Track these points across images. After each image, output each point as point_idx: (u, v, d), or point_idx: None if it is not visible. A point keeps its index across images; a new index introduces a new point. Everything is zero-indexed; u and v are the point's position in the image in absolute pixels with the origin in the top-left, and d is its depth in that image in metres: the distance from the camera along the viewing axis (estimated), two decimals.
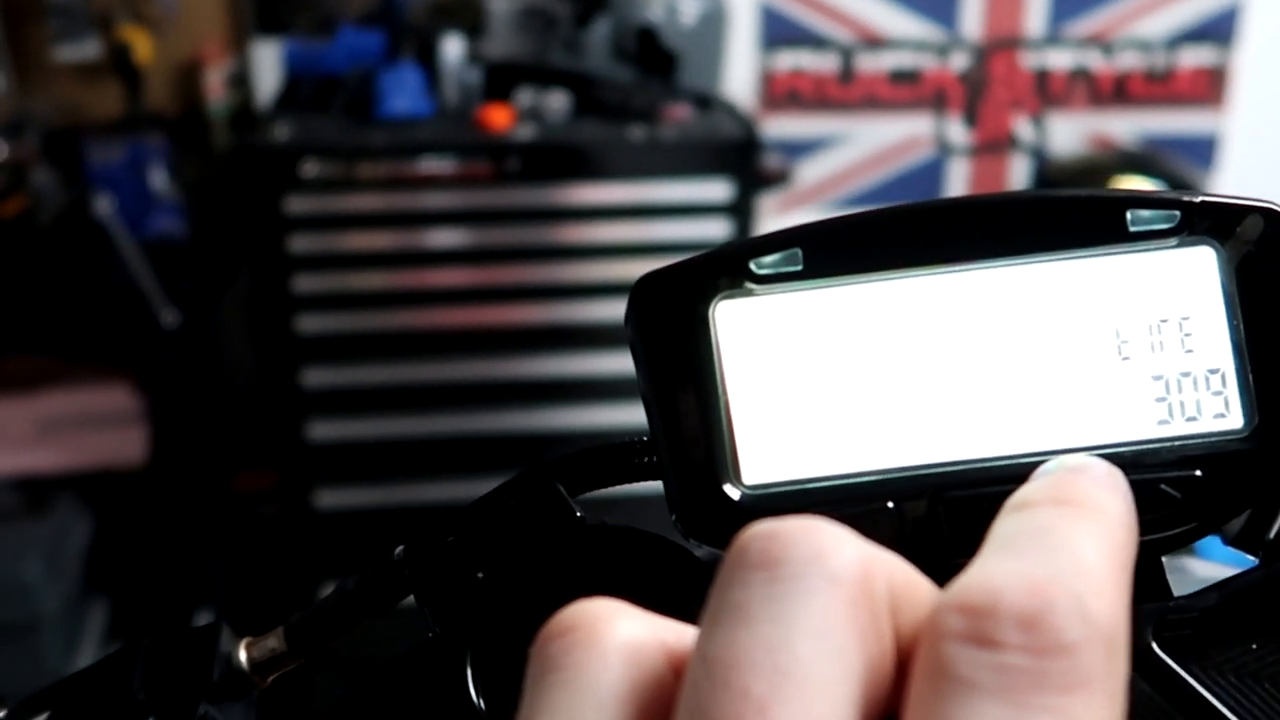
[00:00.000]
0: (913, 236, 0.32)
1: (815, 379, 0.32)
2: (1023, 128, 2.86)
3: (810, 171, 2.79)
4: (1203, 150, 2.92)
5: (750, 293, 0.32)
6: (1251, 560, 0.35)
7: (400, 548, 0.39)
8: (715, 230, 2.21)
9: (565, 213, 2.21)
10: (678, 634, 0.23)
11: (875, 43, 2.76)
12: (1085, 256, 0.32)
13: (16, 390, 2.29)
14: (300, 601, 2.24)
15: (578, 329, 2.25)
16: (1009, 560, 0.21)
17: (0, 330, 2.21)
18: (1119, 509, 0.23)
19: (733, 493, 0.32)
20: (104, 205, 2.18)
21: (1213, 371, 0.32)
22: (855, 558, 0.22)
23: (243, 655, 0.40)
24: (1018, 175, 2.89)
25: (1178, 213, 0.31)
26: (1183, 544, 0.32)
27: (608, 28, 2.30)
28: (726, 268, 0.32)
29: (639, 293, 0.33)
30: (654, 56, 2.29)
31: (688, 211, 2.21)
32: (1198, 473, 0.31)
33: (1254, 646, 0.30)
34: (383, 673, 0.35)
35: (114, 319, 2.21)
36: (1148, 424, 0.32)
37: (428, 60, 2.28)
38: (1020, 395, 0.32)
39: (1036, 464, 0.32)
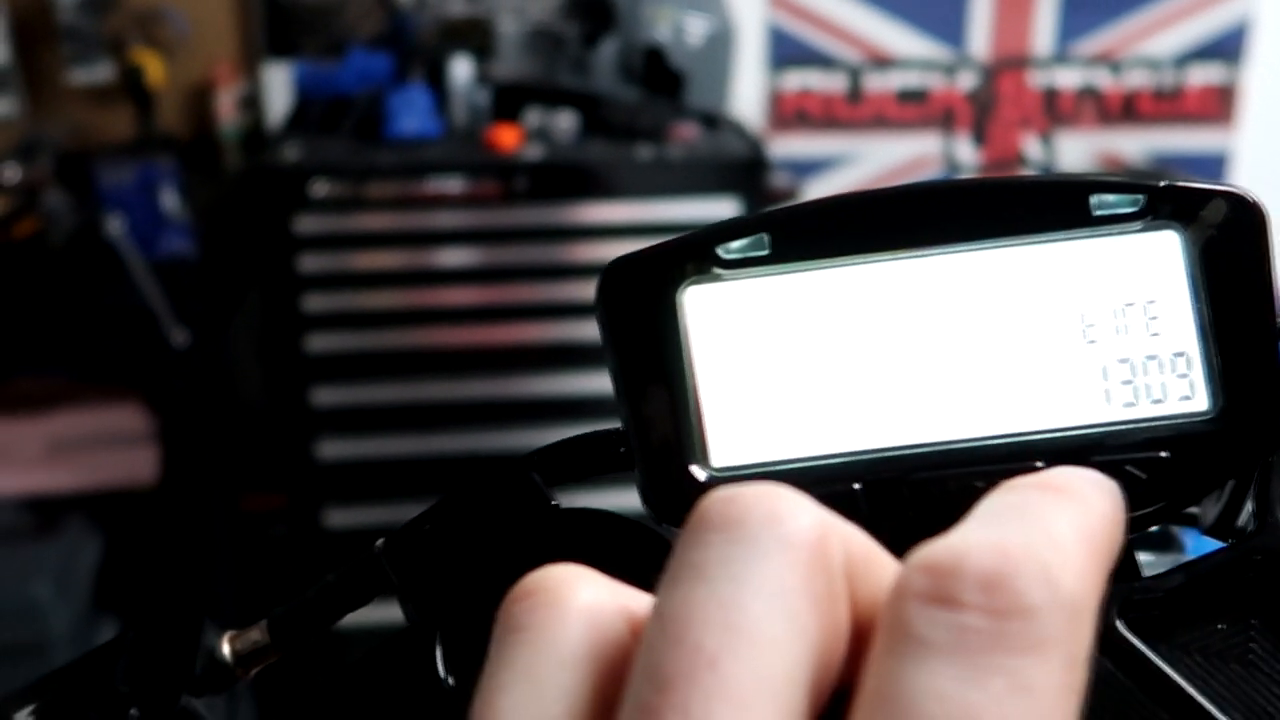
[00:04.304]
0: (879, 222, 0.32)
1: (783, 363, 0.32)
2: (1031, 147, 2.86)
3: (818, 191, 2.80)
4: (1212, 168, 2.91)
5: (718, 278, 0.32)
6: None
7: (380, 540, 0.39)
8: None
9: (573, 232, 2.21)
10: (640, 601, 0.23)
11: (883, 62, 2.77)
12: (1050, 241, 0.32)
13: (27, 410, 2.31)
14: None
15: (586, 348, 2.25)
16: (982, 529, 0.21)
17: (11, 350, 2.23)
18: (1103, 503, 0.23)
19: (700, 474, 0.32)
20: (115, 226, 2.19)
21: (1178, 354, 0.32)
22: (812, 523, 0.22)
23: (226, 648, 0.40)
24: None
25: (1142, 197, 0.32)
26: (1148, 525, 0.32)
27: (615, 48, 2.31)
28: (694, 253, 0.32)
29: (608, 279, 0.33)
30: (661, 76, 2.30)
31: None
32: (1164, 454, 0.31)
33: (1220, 627, 0.31)
34: (355, 665, 0.36)
35: (125, 339, 2.23)
36: (1114, 406, 0.32)
37: (436, 81, 2.30)
38: (986, 378, 0.32)
39: (1003, 446, 0.32)
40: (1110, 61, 2.82)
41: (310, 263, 2.14)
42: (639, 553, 0.34)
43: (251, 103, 2.57)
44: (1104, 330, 0.32)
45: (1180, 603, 0.31)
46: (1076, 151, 2.87)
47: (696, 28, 2.31)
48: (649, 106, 2.28)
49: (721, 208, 2.21)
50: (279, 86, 2.53)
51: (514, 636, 0.23)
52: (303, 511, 2.24)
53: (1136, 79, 2.84)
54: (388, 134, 2.21)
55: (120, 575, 2.34)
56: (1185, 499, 0.32)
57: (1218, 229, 0.31)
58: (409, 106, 2.23)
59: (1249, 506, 0.33)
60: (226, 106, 2.52)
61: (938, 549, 0.21)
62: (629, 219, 2.21)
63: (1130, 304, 0.32)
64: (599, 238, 2.21)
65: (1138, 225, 0.32)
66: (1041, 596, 0.20)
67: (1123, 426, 0.32)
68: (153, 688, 0.39)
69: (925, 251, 0.32)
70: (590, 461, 0.37)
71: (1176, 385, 0.32)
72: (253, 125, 2.56)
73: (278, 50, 2.54)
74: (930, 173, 2.86)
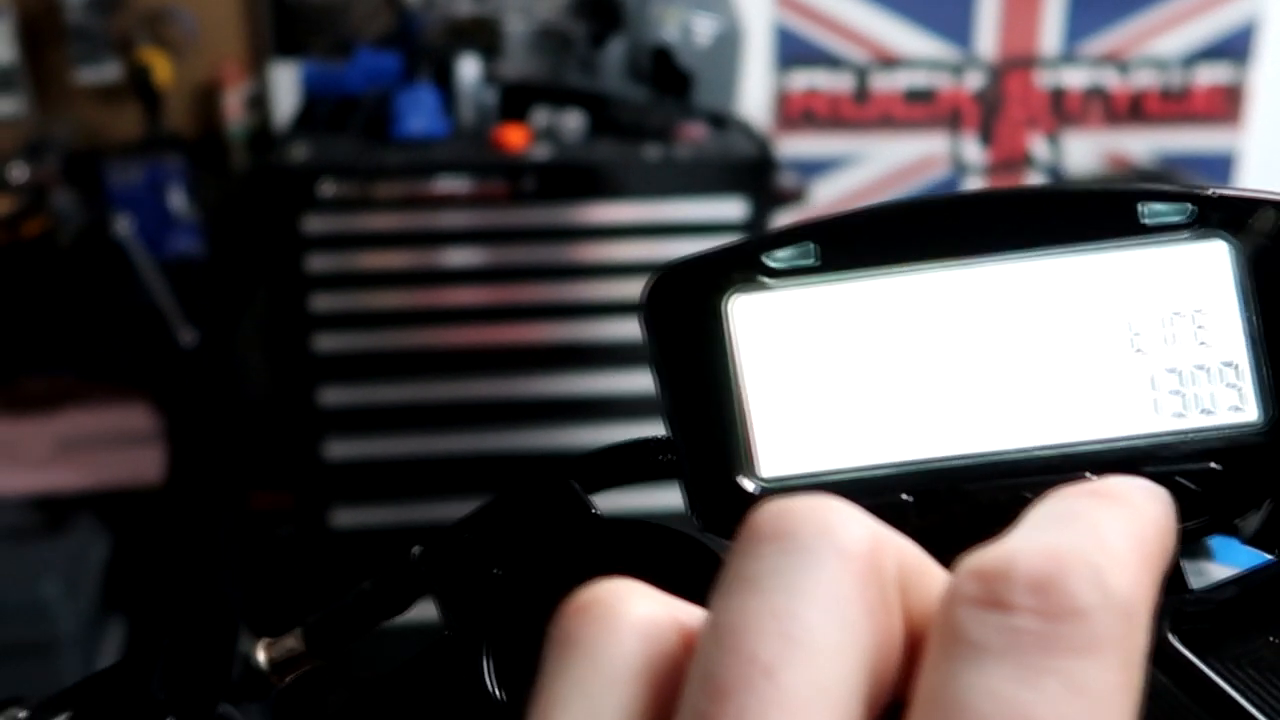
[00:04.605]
0: (926, 231, 0.32)
1: (830, 372, 0.32)
2: (1038, 146, 2.86)
3: (825, 191, 2.80)
4: (1219, 168, 2.91)
5: (764, 287, 0.32)
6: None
7: (417, 547, 0.39)
8: None
9: (581, 232, 2.21)
10: (692, 614, 0.23)
11: (890, 62, 2.77)
12: (1098, 250, 0.32)
13: (35, 409, 2.31)
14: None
15: (593, 348, 2.25)
16: (1033, 535, 0.21)
17: (20, 350, 2.23)
18: (1154, 509, 0.23)
19: (749, 485, 0.32)
20: (123, 226, 2.19)
21: (1227, 364, 0.32)
22: (865, 534, 0.22)
23: (261, 655, 0.40)
24: None
25: (1191, 206, 0.32)
26: (1199, 536, 0.32)
27: (623, 48, 2.31)
28: (741, 262, 0.32)
29: (654, 288, 0.33)
30: (669, 76, 2.30)
31: (703, 230, 2.21)
32: (1214, 465, 0.31)
33: (1271, 639, 0.30)
34: (397, 673, 0.36)
35: (133, 338, 2.23)
36: (1163, 417, 0.32)
37: (444, 81, 2.29)
38: (1035, 388, 0.32)
39: (1052, 456, 0.32)
40: (1117, 61, 2.82)
41: (318, 262, 2.14)
42: (684, 563, 0.34)
43: (258, 102, 2.57)
44: (1152, 340, 0.32)
45: (1232, 615, 0.31)
46: (1083, 151, 2.87)
47: (704, 27, 2.31)
48: (657, 106, 2.27)
49: (729, 208, 2.20)
50: (286, 86, 2.53)
51: (569, 651, 0.23)
52: (310, 511, 2.24)
53: (1144, 79, 2.84)
54: (395, 134, 2.21)
55: (128, 574, 2.34)
56: (1235, 510, 0.31)
57: (1267, 238, 0.31)
58: (416, 106, 2.22)
59: None
60: (234, 106, 2.52)
61: (988, 554, 0.21)
62: (636, 219, 2.20)
63: (1178, 313, 0.32)
64: (606, 238, 2.21)
65: (1186, 234, 0.32)
66: (1092, 598, 0.20)
67: (1172, 437, 0.32)
68: (190, 695, 0.39)
69: (973, 261, 0.32)
70: (629, 469, 0.37)
71: (1226, 395, 0.32)
72: (260, 125, 2.56)
73: (285, 50, 2.54)
74: (937, 173, 2.85)
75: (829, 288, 0.32)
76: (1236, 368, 0.32)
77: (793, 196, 2.41)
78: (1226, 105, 2.87)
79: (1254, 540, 0.35)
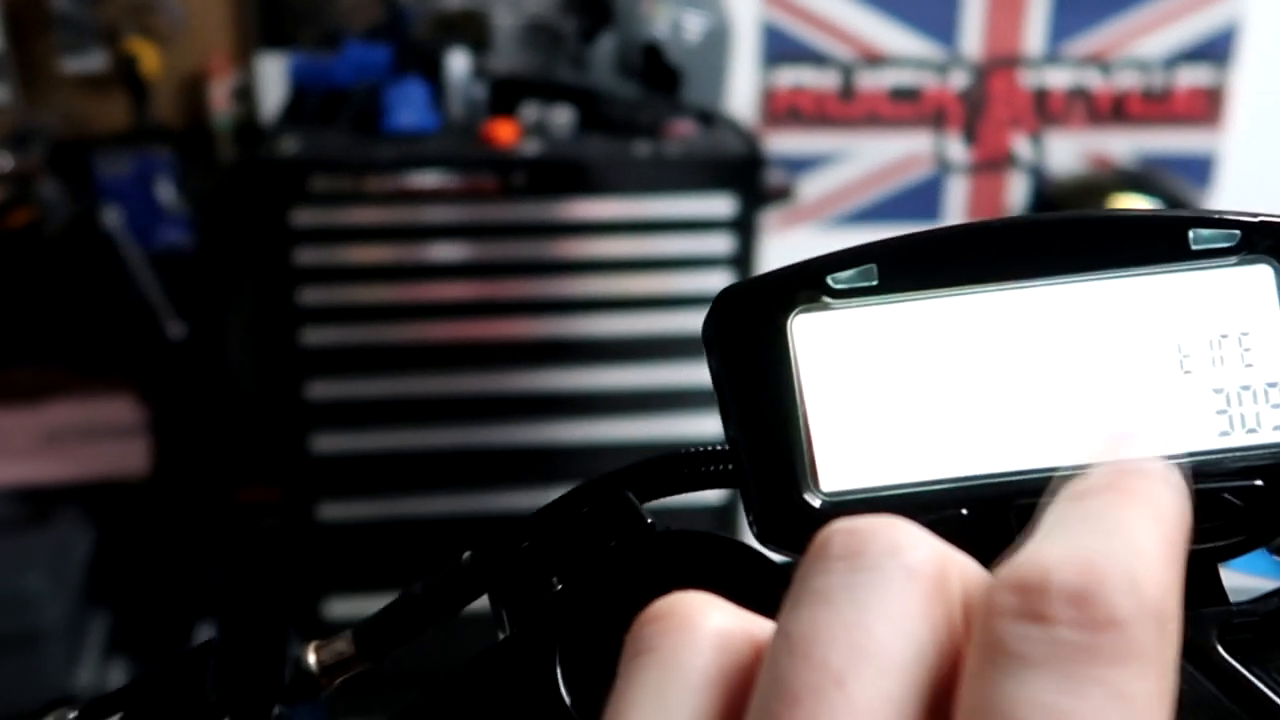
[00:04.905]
0: (983, 254, 0.33)
1: (890, 390, 0.33)
2: (1021, 146, 2.88)
3: (812, 188, 2.81)
4: (1200, 169, 2.94)
5: (827, 306, 0.33)
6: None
7: (468, 553, 0.40)
8: (719, 246, 2.22)
9: (570, 227, 2.22)
10: (764, 628, 0.24)
11: (876, 60, 2.78)
12: (1149, 274, 0.33)
13: (21, 401, 2.30)
14: (303, 615, 2.25)
15: (581, 343, 2.26)
16: (1061, 540, 0.22)
17: (6, 341, 2.22)
18: (1173, 502, 0.23)
19: (812, 500, 0.33)
20: (111, 217, 2.19)
21: (1272, 385, 0.33)
22: (932, 554, 0.23)
23: (312, 658, 0.41)
24: (1016, 194, 2.91)
25: (1238, 232, 0.33)
26: (1244, 551, 0.33)
27: (613, 43, 2.32)
28: (804, 282, 0.33)
29: (719, 307, 0.34)
30: (658, 72, 2.31)
31: (691, 227, 2.22)
32: (1259, 482, 0.32)
33: None
34: (459, 674, 0.36)
35: (120, 330, 2.22)
36: (1210, 435, 0.33)
37: (433, 74, 2.29)
38: (1087, 406, 0.33)
39: None
40: (1100, 62, 2.84)
41: (306, 256, 2.13)
42: (742, 575, 0.35)
43: (245, 94, 2.56)
44: (1200, 361, 0.33)
45: (1275, 626, 0.32)
46: (1066, 151, 2.89)
47: (694, 24, 2.32)
48: (646, 102, 2.28)
49: (717, 205, 2.21)
50: (273, 78, 2.52)
51: (645, 658, 0.24)
52: (297, 504, 2.24)
53: (1126, 80, 2.86)
54: (384, 127, 2.21)
55: (112, 567, 2.33)
56: (1278, 527, 0.33)
57: None
58: (406, 100, 2.22)
59: None
60: (220, 97, 2.51)
61: (1023, 566, 0.21)
62: (625, 215, 2.21)
63: (1225, 335, 0.33)
64: (595, 234, 2.22)
65: (1233, 259, 0.33)
66: (1130, 608, 0.20)
67: (1219, 455, 0.33)
68: (245, 698, 0.39)
69: (1028, 283, 0.33)
70: (682, 479, 0.38)
71: (1270, 415, 0.33)
72: (246, 117, 2.56)
73: (272, 41, 2.54)
74: (922, 171, 2.87)
75: (889, 308, 0.33)
76: None
77: (780, 194, 2.43)
78: (1207, 107, 2.90)
79: None
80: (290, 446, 2.20)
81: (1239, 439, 0.33)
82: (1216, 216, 0.33)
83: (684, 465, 0.38)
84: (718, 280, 2.23)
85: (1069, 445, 0.33)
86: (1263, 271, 0.33)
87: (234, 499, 2.45)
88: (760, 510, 0.33)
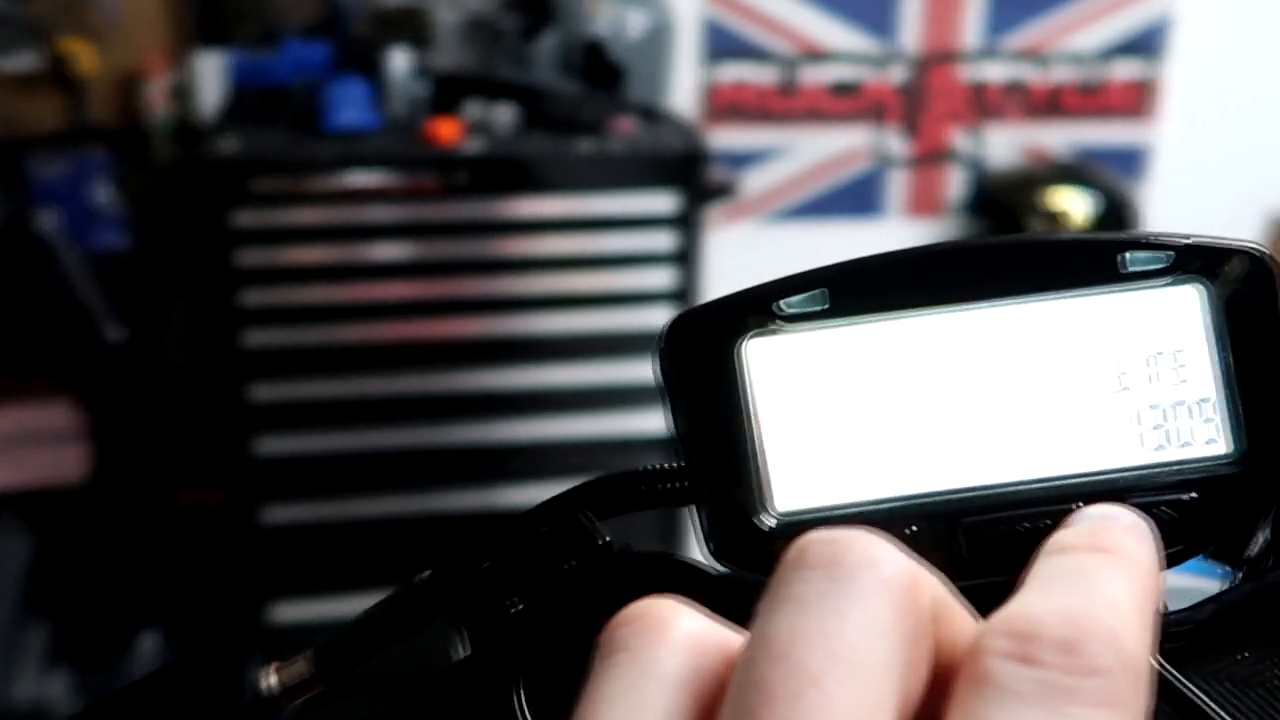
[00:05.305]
0: (928, 277, 0.34)
1: (841, 411, 0.34)
2: (960, 139, 2.92)
3: (754, 183, 2.83)
4: (1133, 161, 2.99)
5: (778, 331, 0.34)
6: (1223, 572, 0.38)
7: (426, 572, 0.40)
8: (662, 242, 2.23)
9: (513, 226, 2.22)
10: (733, 636, 0.25)
11: (816, 56, 2.80)
12: (1087, 295, 0.34)
13: None
14: (247, 620, 2.23)
15: (525, 341, 2.26)
16: (1050, 597, 0.24)
17: None
18: (1147, 556, 0.25)
19: (766, 520, 0.34)
20: (47, 219, 2.15)
21: (1203, 401, 0.34)
22: (905, 567, 0.24)
23: (272, 679, 0.41)
24: (955, 187, 2.94)
25: (1171, 254, 0.34)
26: (1181, 561, 0.34)
27: (555, 41, 2.32)
28: (754, 307, 0.34)
29: (671, 333, 0.34)
30: (601, 70, 2.31)
31: (634, 224, 2.23)
32: (1192, 495, 0.34)
33: (1245, 655, 0.33)
34: (417, 696, 0.37)
35: (57, 335, 2.19)
36: (1146, 450, 0.34)
37: (373, 72, 2.28)
38: (1029, 425, 0.34)
39: (1046, 489, 0.34)
40: (1036, 56, 2.88)
41: (247, 257, 2.11)
42: (699, 594, 0.36)
43: (183, 93, 2.53)
44: (1136, 378, 0.34)
45: (1210, 633, 0.33)
46: (1003, 144, 2.93)
47: (635, 21, 2.32)
48: (589, 100, 2.28)
49: (660, 202, 2.22)
50: (211, 76, 2.48)
51: (619, 656, 0.24)
52: (241, 508, 2.22)
53: (1061, 73, 2.91)
54: (325, 126, 2.19)
55: (52, 575, 2.30)
56: (1212, 537, 0.34)
57: (1239, 283, 0.34)
58: (346, 98, 2.21)
59: (1260, 538, 0.35)
60: (157, 96, 2.48)
61: (1016, 616, 0.23)
62: (569, 213, 2.21)
63: (1160, 353, 0.34)
64: (538, 232, 2.22)
65: (1165, 280, 0.34)
66: (1111, 660, 0.22)
67: (1155, 469, 0.34)
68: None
69: (971, 305, 0.34)
70: (639, 497, 0.39)
71: (1202, 430, 0.34)
72: (184, 116, 2.52)
73: (209, 39, 2.50)
74: (863, 165, 2.90)
75: (839, 331, 0.34)
76: (1212, 403, 0.34)
77: (723, 190, 2.44)
78: (1140, 100, 2.95)
79: (1216, 553, 0.38)
80: (233, 449, 2.18)
81: (1174, 453, 0.34)
82: (1149, 239, 0.34)
83: (641, 483, 0.38)
84: (661, 277, 2.25)
85: (1013, 462, 0.34)
86: (1194, 291, 0.34)
87: (176, 504, 2.43)
88: (715, 530, 0.34)
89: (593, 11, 2.29)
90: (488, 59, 2.36)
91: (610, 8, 2.30)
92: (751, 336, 0.34)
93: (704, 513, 0.34)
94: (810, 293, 0.34)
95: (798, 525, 0.33)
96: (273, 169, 2.10)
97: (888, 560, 0.24)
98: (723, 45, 2.75)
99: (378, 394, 2.22)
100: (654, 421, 2.33)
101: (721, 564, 0.35)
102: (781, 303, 0.34)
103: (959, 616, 0.25)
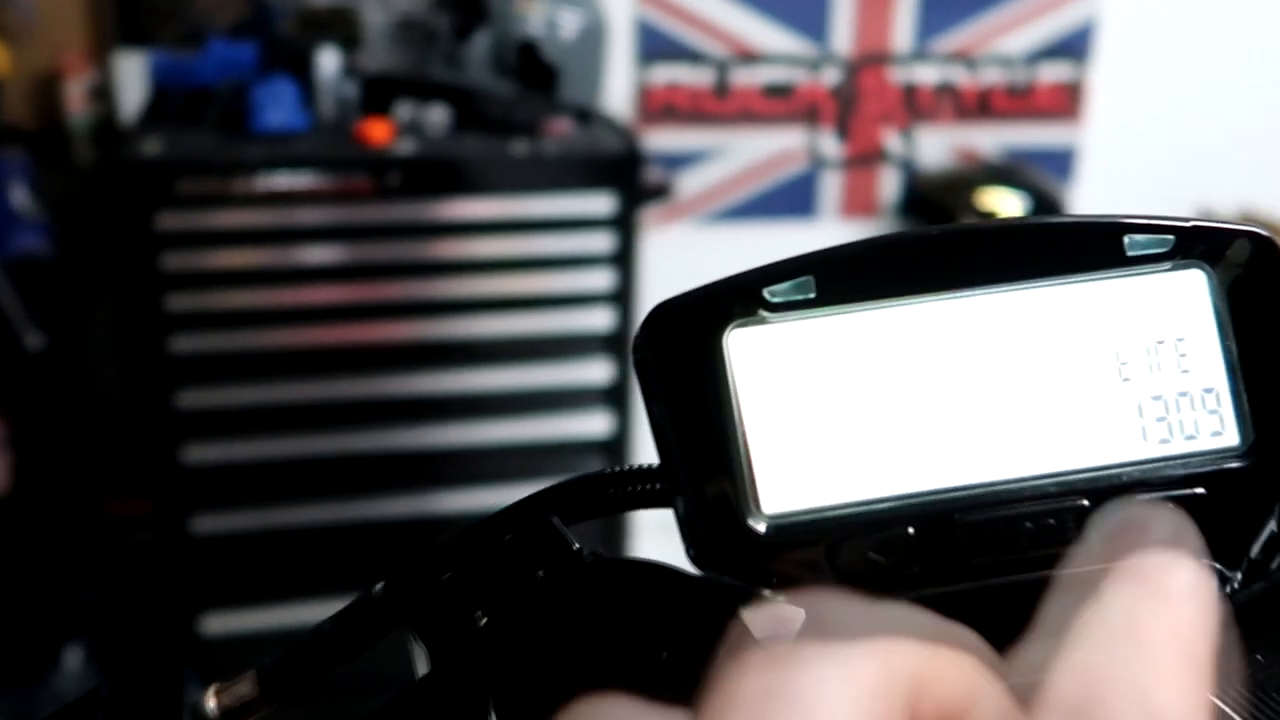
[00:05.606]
0: (921, 263, 0.32)
1: (830, 405, 0.32)
2: (892, 141, 2.93)
3: (689, 184, 2.82)
4: (1061, 162, 3.03)
5: (764, 320, 0.32)
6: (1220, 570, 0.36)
7: (380, 584, 0.38)
8: (598, 244, 2.21)
9: (447, 228, 2.18)
10: None
11: (749, 57, 2.80)
12: (1085, 280, 0.32)
13: None
14: (178, 633, 2.17)
15: (460, 345, 2.23)
16: (1069, 650, 0.21)
17: None
18: (1187, 584, 0.22)
19: (755, 523, 0.32)
20: None
21: (1208, 391, 0.33)
22: (864, 677, 0.21)
23: (211, 702, 0.38)
24: (888, 188, 2.95)
25: (1172, 237, 0.32)
26: None
27: (488, 41, 2.29)
28: (740, 296, 0.32)
29: (651, 323, 0.32)
30: (535, 70, 2.28)
31: (570, 225, 2.21)
32: (1201, 490, 0.32)
33: (1258, 658, 0.31)
34: (381, 715, 0.34)
35: None
36: (1150, 443, 0.33)
37: (302, 73, 2.23)
38: (1029, 417, 0.32)
39: (1046, 485, 0.32)
40: (966, 59, 2.90)
41: (173, 261, 2.06)
42: (676, 602, 0.33)
43: (102, 93, 2.47)
44: (1138, 368, 0.33)
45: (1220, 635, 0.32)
46: (935, 146, 2.95)
47: (569, 22, 2.30)
48: (523, 101, 2.26)
49: (596, 203, 2.20)
50: (132, 76, 2.42)
51: None
52: (168, 517, 2.16)
53: (991, 76, 2.93)
54: (253, 127, 2.14)
55: None
56: (1219, 534, 0.32)
57: (1242, 267, 0.32)
58: (274, 99, 2.16)
59: (1265, 535, 0.34)
60: (76, 97, 2.41)
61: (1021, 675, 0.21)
62: (503, 215, 2.19)
63: (1161, 341, 0.33)
64: (472, 234, 2.19)
65: (1168, 264, 0.33)
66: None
67: (1160, 463, 0.32)
68: None
69: (966, 292, 0.32)
70: (606, 501, 0.36)
71: (1208, 421, 0.33)
72: (105, 117, 2.46)
73: (130, 38, 2.44)
74: (796, 167, 2.90)
75: (827, 320, 0.32)
76: (1216, 393, 0.33)
77: (659, 191, 2.42)
78: (1068, 102, 2.98)
79: (1215, 555, 0.36)
80: (160, 457, 2.13)
81: (1178, 446, 0.33)
82: (1151, 222, 0.32)
83: (610, 485, 0.36)
84: (598, 279, 2.22)
85: (1012, 457, 0.32)
86: (1196, 276, 0.33)
87: (102, 514, 2.36)
88: (700, 533, 0.32)
89: (525, 11, 2.26)
90: (419, 59, 2.32)
91: (543, 7, 2.27)
92: (736, 326, 0.32)
93: (685, 516, 0.32)
94: (797, 280, 0.32)
95: (788, 528, 0.31)
96: (198, 171, 2.04)
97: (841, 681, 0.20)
98: (656, 47, 2.74)
99: (310, 399, 2.18)
100: (593, 424, 2.32)
101: (704, 570, 0.32)
102: (767, 291, 0.32)
103: (945, 681, 0.22)
